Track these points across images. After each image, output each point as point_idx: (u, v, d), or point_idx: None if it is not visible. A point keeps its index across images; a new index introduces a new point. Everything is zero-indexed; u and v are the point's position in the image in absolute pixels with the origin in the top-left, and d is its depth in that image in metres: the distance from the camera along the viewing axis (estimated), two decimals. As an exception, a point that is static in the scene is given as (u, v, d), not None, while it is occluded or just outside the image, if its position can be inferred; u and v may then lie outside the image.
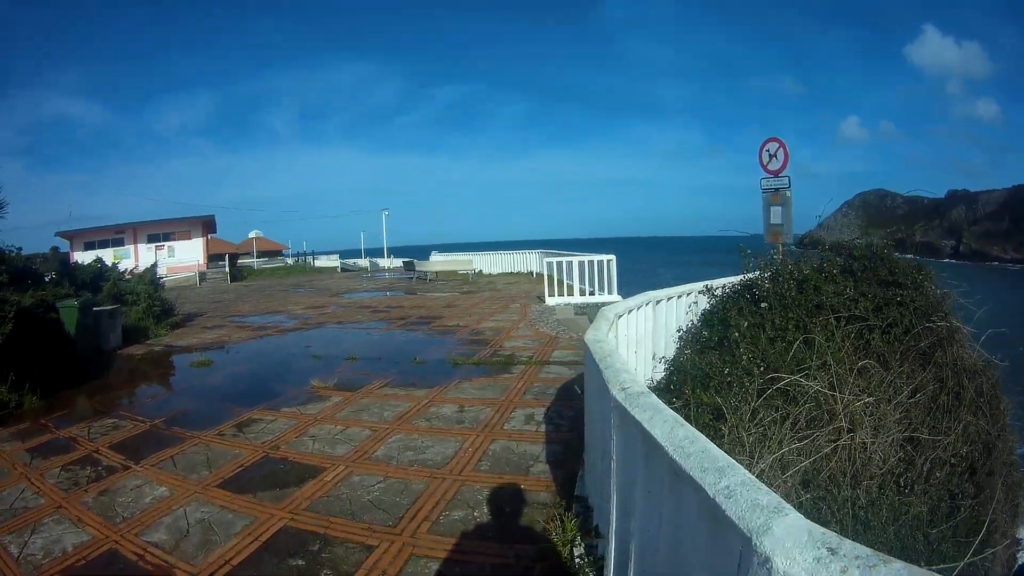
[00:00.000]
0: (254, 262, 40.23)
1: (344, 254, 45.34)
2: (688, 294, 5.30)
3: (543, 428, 4.97)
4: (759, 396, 3.91)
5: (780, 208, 6.97)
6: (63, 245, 28.36)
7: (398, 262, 34.63)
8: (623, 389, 1.93)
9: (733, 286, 5.21)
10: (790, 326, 4.38)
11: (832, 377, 4.02)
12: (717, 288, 5.16)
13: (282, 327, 11.77)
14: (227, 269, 30.51)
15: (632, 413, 1.79)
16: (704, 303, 5.41)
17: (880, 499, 3.82)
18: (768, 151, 7.10)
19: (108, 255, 27.21)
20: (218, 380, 7.35)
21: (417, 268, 23.81)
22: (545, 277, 13.39)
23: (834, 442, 3.93)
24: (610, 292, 12.52)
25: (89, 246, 30.16)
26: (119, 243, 31.96)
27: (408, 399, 5.96)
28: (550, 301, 12.77)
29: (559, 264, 13.54)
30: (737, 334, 4.18)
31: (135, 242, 32.16)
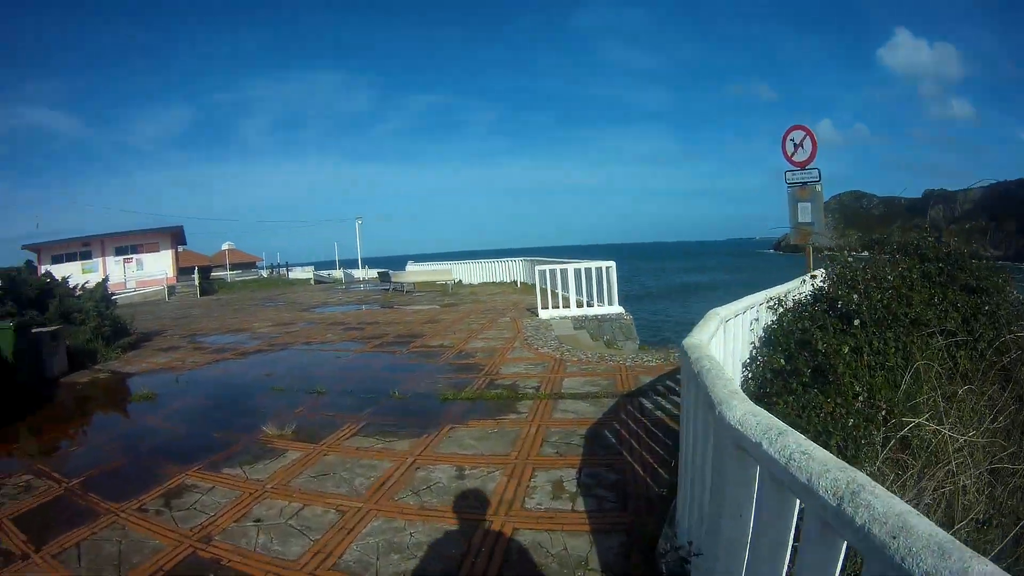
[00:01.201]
0: (227, 275, 39.43)
1: (319, 265, 45.13)
2: (752, 308, 4.53)
3: (581, 504, 3.63)
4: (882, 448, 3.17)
5: (809, 204, 6.29)
6: (30, 258, 28.25)
7: (373, 273, 33.68)
8: None
9: (802, 296, 4.49)
10: (890, 349, 3.68)
11: (939, 411, 3.35)
12: (789, 300, 4.43)
13: (242, 349, 10.66)
14: (196, 282, 29.45)
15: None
16: (766, 319, 4.65)
17: (967, 542, 3.22)
18: (792, 140, 6.40)
19: (76, 269, 26.88)
20: (157, 421, 6.21)
21: (393, 279, 22.69)
22: (537, 288, 12.47)
23: (936, 489, 3.27)
24: (611, 303, 11.72)
25: (57, 259, 29.48)
26: (87, 256, 31.15)
27: (387, 455, 4.67)
28: (544, 314, 11.83)
29: (551, 273, 12.67)
30: (842, 365, 3.42)
31: (103, 255, 31.35)
